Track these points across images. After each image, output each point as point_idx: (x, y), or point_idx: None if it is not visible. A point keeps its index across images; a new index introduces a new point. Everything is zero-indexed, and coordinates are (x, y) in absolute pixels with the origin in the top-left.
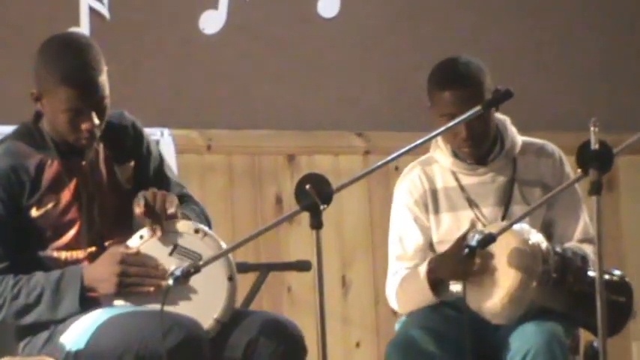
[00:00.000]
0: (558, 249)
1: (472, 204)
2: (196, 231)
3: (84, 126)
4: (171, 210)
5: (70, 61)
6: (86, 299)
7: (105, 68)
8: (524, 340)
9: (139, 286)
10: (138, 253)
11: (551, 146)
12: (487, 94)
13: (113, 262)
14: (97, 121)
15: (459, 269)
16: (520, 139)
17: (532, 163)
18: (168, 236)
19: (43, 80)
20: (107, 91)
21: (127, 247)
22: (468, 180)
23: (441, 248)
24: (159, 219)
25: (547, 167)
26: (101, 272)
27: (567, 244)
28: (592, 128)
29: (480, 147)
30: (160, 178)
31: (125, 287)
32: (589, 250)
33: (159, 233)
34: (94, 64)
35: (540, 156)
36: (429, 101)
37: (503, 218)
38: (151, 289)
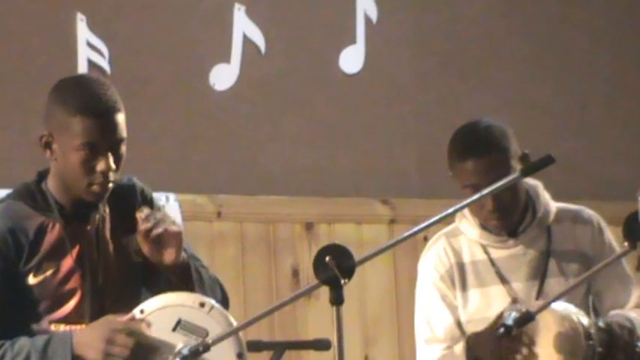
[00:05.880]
0: (602, 324)
1: (503, 279)
2: (202, 304)
3: (99, 167)
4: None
5: (88, 92)
6: None
7: (123, 110)
8: None
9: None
10: (134, 319)
11: (587, 212)
12: (513, 160)
13: (104, 327)
14: (113, 165)
15: (498, 349)
16: (554, 205)
17: (568, 231)
18: (171, 310)
19: (57, 115)
20: (125, 134)
21: (123, 316)
22: (497, 253)
23: (470, 328)
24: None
25: (585, 235)
26: (90, 337)
27: (613, 313)
28: None
29: (508, 219)
30: None
31: (111, 356)
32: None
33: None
34: (114, 98)
35: (576, 223)
36: (451, 172)
37: (538, 293)
38: None
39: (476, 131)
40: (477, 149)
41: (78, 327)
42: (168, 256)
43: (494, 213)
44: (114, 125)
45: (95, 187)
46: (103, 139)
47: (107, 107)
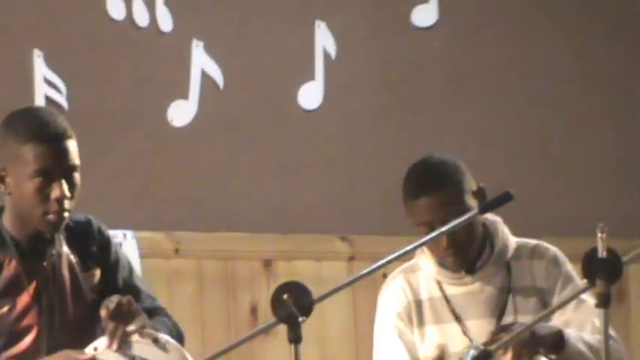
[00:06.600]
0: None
1: (457, 317)
2: (155, 340)
3: (54, 194)
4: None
5: (38, 120)
6: None
7: (75, 139)
8: None
9: None
10: None
11: (544, 245)
12: (467, 194)
13: None
14: (67, 192)
15: None
16: (514, 241)
17: (526, 267)
18: (125, 347)
19: (9, 146)
20: (78, 161)
21: (83, 353)
22: (453, 290)
23: None
24: (124, 322)
25: (540, 270)
26: None
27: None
28: (599, 234)
29: (464, 255)
30: (129, 290)
31: None
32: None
33: (114, 346)
34: (65, 125)
35: (533, 258)
36: (405, 210)
37: None
38: None
39: (427, 168)
40: (429, 186)
41: None
42: None
43: (449, 250)
44: (66, 151)
45: (51, 217)
46: (56, 165)
47: (57, 133)
